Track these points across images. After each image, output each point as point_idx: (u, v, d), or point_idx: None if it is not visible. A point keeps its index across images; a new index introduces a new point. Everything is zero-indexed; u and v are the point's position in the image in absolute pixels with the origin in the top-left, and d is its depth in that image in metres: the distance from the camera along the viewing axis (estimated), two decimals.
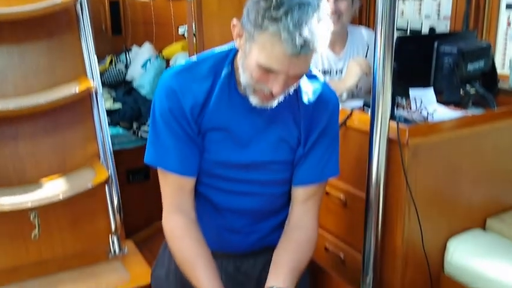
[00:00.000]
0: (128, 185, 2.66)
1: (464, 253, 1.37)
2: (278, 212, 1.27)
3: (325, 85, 1.20)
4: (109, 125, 1.83)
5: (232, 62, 1.15)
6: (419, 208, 1.31)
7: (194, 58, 1.19)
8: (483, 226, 1.48)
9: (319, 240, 1.59)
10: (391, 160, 1.31)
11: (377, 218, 1.31)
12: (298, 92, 1.16)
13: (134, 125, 2.74)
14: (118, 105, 2.86)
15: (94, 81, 1.76)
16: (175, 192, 1.18)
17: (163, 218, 1.19)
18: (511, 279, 1.26)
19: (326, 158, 1.18)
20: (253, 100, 1.09)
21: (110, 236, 1.73)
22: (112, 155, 1.75)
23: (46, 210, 1.62)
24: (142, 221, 2.67)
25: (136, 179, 2.76)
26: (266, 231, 1.28)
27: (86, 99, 1.76)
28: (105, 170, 1.71)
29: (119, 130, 2.73)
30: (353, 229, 1.47)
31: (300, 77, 1.06)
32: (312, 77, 1.20)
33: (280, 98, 1.09)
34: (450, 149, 1.36)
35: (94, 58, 1.80)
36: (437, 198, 1.38)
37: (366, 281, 1.38)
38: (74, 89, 1.70)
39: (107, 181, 1.67)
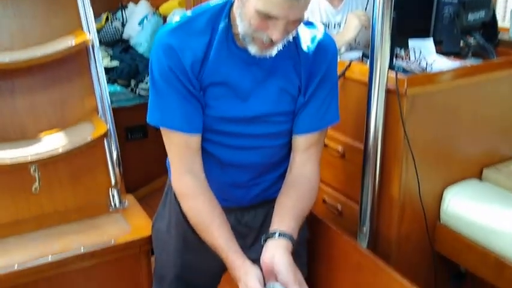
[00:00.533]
0: (127, 143, 2.67)
1: (460, 202, 1.39)
2: (279, 165, 1.28)
3: (323, 32, 1.19)
4: (106, 82, 1.82)
5: (229, 15, 1.13)
6: (417, 158, 1.32)
7: (189, 13, 1.17)
8: (479, 176, 1.50)
9: (318, 194, 1.61)
10: (389, 110, 1.31)
11: (375, 168, 1.33)
12: (297, 40, 1.14)
13: (132, 83, 2.72)
14: (115, 63, 2.83)
15: (90, 34, 1.74)
16: (182, 151, 1.17)
17: (172, 179, 1.20)
18: (506, 228, 1.29)
19: (326, 105, 1.18)
20: (252, 49, 1.08)
21: (110, 189, 1.75)
22: (111, 109, 1.75)
23: (46, 164, 1.62)
24: (141, 179, 2.69)
25: (135, 137, 2.76)
26: (267, 184, 1.30)
27: (83, 52, 1.74)
28: (104, 124, 1.71)
29: (116, 88, 2.71)
30: (351, 181, 1.48)
31: (300, 21, 1.05)
32: (309, 24, 1.19)
33: (280, 46, 1.08)
34: (448, 99, 1.36)
35: (90, 11, 1.77)
36: (435, 148, 1.39)
37: (363, 231, 1.40)
38: (70, 42, 1.69)
39: (106, 135, 1.67)
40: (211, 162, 1.23)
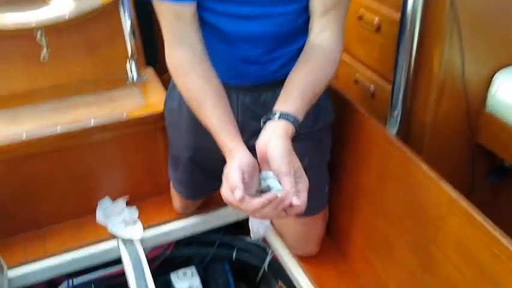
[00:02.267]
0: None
1: None
2: (297, 36, 1.11)
3: None
4: None
5: None
6: (464, 32, 1.11)
7: None
8: None
9: (349, 72, 1.44)
10: None
11: (412, 40, 1.13)
12: None
13: None
14: None
15: None
16: (173, 23, 1.03)
17: (165, 54, 1.07)
18: None
19: None
20: None
21: (128, 61, 1.64)
22: None
23: (58, 31, 1.51)
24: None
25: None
26: (285, 59, 1.14)
27: None
28: None
29: None
30: (386, 58, 1.30)
31: None
32: None
33: None
34: None
35: None
36: (486, 24, 1.16)
37: (393, 115, 1.24)
38: None
39: (118, 1, 1.53)
40: (217, 36, 1.09)
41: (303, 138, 1.15)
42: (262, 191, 0.92)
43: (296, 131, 0.95)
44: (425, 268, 1.07)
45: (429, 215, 1.03)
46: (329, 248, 1.45)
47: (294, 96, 0.98)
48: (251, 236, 1.08)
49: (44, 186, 1.47)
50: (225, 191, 0.89)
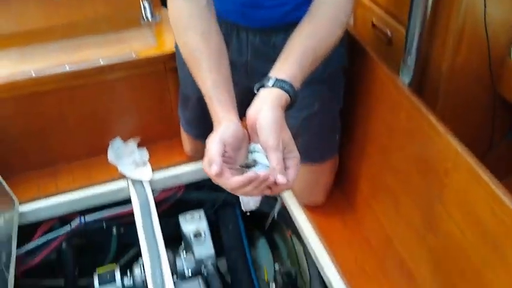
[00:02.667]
0: None
1: None
2: None
3: None
4: None
5: None
6: None
7: None
8: None
9: (366, 14, 1.35)
10: None
11: None
12: None
13: None
14: None
15: None
16: None
17: (168, 4, 1.00)
18: None
19: None
20: None
21: (142, 0, 1.60)
22: None
23: None
24: None
25: None
26: (291, 5, 1.08)
27: None
28: None
29: None
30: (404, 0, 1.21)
31: None
32: None
33: None
34: None
35: None
36: None
37: (407, 62, 1.17)
38: None
39: None
40: None
41: (313, 83, 1.09)
42: (247, 166, 0.86)
43: (291, 99, 0.88)
44: (428, 225, 1.03)
45: (436, 169, 0.98)
46: (337, 198, 1.41)
47: (291, 62, 0.90)
48: (242, 207, 1.04)
49: (54, 125, 1.47)
50: (204, 164, 0.84)
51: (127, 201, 1.50)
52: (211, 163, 0.80)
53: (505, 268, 0.83)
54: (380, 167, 1.20)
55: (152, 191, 1.50)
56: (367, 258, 1.24)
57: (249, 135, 0.88)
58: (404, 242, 1.13)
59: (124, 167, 1.52)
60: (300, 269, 1.61)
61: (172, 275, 1.36)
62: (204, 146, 0.84)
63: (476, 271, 0.90)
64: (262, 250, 1.93)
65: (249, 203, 1.01)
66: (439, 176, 0.97)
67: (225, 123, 0.86)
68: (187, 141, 1.54)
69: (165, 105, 1.55)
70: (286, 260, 1.90)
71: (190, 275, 1.43)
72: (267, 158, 0.82)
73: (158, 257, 1.31)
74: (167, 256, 1.37)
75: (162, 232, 1.39)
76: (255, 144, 0.86)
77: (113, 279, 1.42)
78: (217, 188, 1.63)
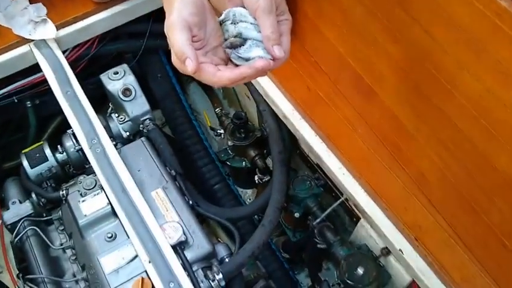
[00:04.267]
0: None
1: None
2: None
3: None
4: None
5: None
6: None
7: None
8: None
9: None
10: None
11: None
12: None
13: None
14: None
15: None
16: None
17: None
18: None
19: None
20: None
21: None
22: None
23: None
24: None
25: None
26: None
27: None
28: None
29: None
30: None
31: None
32: None
33: None
34: None
35: None
36: None
37: None
38: None
39: None
40: None
41: None
42: (232, 45, 0.67)
43: None
44: (387, 35, 0.93)
45: None
46: None
47: None
48: None
49: None
50: (173, 60, 0.66)
51: (35, 67, 1.28)
52: (183, 58, 0.62)
53: (482, 66, 0.76)
54: None
55: (63, 52, 1.29)
56: (320, 84, 1.14)
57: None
58: (359, 58, 1.04)
59: (21, 29, 1.27)
60: (244, 110, 1.52)
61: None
62: None
63: (449, 75, 0.83)
64: (197, 95, 1.81)
65: None
66: None
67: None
68: None
69: None
70: (223, 101, 1.80)
71: (129, 137, 1.30)
72: (255, 26, 0.65)
73: (90, 122, 1.15)
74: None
75: None
76: (234, 9, 0.67)
77: (45, 158, 1.26)
78: (135, 35, 1.45)
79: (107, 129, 1.27)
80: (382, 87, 1.01)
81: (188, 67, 0.62)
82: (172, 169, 1.18)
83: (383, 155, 1.03)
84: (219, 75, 0.64)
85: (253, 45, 0.65)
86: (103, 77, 1.31)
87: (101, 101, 1.38)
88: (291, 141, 1.22)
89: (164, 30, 0.66)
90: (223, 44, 0.68)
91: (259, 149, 1.30)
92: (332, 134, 1.10)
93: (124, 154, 1.17)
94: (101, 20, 1.32)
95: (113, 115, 1.32)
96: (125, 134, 1.30)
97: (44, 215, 1.24)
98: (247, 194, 1.61)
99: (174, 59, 0.65)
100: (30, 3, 1.30)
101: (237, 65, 0.68)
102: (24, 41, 1.27)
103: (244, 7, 0.67)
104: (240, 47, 0.66)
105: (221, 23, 0.69)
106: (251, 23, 0.66)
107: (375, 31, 0.95)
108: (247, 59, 0.66)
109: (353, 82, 1.08)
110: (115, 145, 1.20)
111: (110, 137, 1.19)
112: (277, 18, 0.67)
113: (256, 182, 1.30)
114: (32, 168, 1.25)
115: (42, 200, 1.22)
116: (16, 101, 1.35)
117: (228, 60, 0.69)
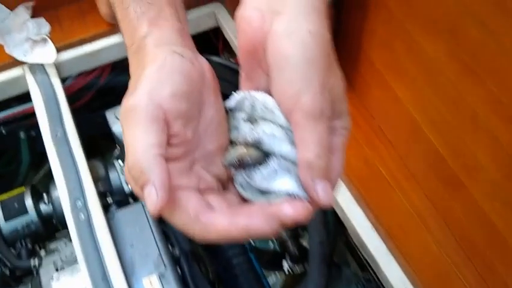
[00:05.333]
0: None
1: None
2: None
3: None
4: None
5: None
6: None
7: None
8: None
9: None
10: None
11: None
12: None
13: None
14: None
15: None
16: None
17: None
18: None
19: None
20: None
21: None
22: None
23: None
24: None
25: None
26: None
27: None
28: None
29: None
30: None
31: None
32: None
33: None
34: None
35: None
36: None
37: None
38: None
39: None
40: None
41: None
42: (240, 161, 0.38)
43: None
44: (494, 109, 0.64)
45: None
46: None
47: None
48: None
49: None
50: (127, 178, 0.38)
51: (28, 96, 1.05)
52: (141, 180, 0.35)
53: None
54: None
55: (63, 79, 1.05)
56: (383, 157, 0.86)
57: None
58: (444, 132, 0.75)
59: (15, 48, 1.04)
60: None
61: (106, 197, 0.98)
62: None
63: None
64: None
65: None
66: None
67: (160, 57, 0.40)
68: (104, 0, 1.05)
69: None
70: None
71: (131, 193, 1.04)
72: (283, 131, 0.36)
73: (78, 176, 0.90)
74: (96, 168, 0.98)
75: (83, 136, 0.97)
76: (255, 95, 0.39)
77: (24, 210, 1.01)
78: None
79: (105, 181, 1.01)
80: (474, 178, 0.71)
81: (147, 198, 0.33)
82: (176, 247, 0.91)
83: (465, 272, 0.73)
84: (205, 220, 0.34)
85: (282, 168, 0.36)
86: (109, 114, 1.06)
87: (107, 142, 1.13)
88: (337, 227, 0.92)
89: (120, 116, 0.39)
90: (226, 158, 0.39)
91: (293, 230, 1.01)
92: (394, 229, 0.81)
93: (117, 221, 0.90)
94: (114, 45, 1.07)
95: (116, 162, 1.07)
96: (127, 189, 1.04)
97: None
98: (272, 280, 1.27)
99: (127, 175, 0.37)
100: (32, 17, 1.07)
101: (243, 198, 0.39)
102: (18, 62, 1.04)
103: (271, 94, 0.38)
104: (256, 167, 0.36)
105: (228, 111, 0.40)
106: (280, 126, 0.36)
107: (475, 101, 0.66)
108: (265, 192, 0.36)
109: (429, 162, 0.79)
110: (109, 206, 0.95)
111: (103, 195, 0.93)
112: (331, 123, 0.38)
113: (286, 271, 1.01)
114: (6, 220, 1.00)
115: (9, 266, 0.96)
116: (5, 132, 1.12)
117: (227, 183, 0.41)
